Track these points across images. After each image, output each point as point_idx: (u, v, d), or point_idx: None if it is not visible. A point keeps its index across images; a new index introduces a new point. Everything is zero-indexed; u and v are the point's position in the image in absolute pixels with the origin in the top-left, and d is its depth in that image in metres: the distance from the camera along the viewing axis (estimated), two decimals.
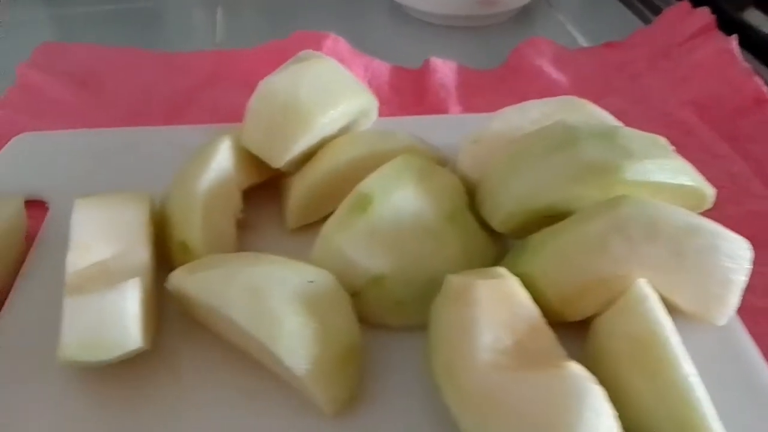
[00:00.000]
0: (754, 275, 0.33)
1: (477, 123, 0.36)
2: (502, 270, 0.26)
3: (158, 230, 0.31)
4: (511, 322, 0.23)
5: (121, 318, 0.24)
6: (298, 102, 0.33)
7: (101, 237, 0.28)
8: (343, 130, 0.36)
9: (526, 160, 0.31)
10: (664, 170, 0.29)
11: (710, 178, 0.31)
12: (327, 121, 0.33)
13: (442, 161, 0.35)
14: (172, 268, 0.28)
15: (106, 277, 0.27)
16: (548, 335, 0.24)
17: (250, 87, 0.34)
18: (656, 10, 0.58)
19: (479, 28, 0.59)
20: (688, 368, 0.22)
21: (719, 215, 0.29)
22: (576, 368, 0.21)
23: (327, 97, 0.34)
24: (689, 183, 0.29)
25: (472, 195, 0.33)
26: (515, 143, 0.32)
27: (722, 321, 0.27)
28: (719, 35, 0.51)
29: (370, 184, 0.29)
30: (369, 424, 0.25)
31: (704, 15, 0.53)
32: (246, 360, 0.27)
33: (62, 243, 0.29)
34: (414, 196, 0.30)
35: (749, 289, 0.30)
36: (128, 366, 0.27)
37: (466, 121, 0.40)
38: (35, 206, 0.37)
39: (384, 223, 0.28)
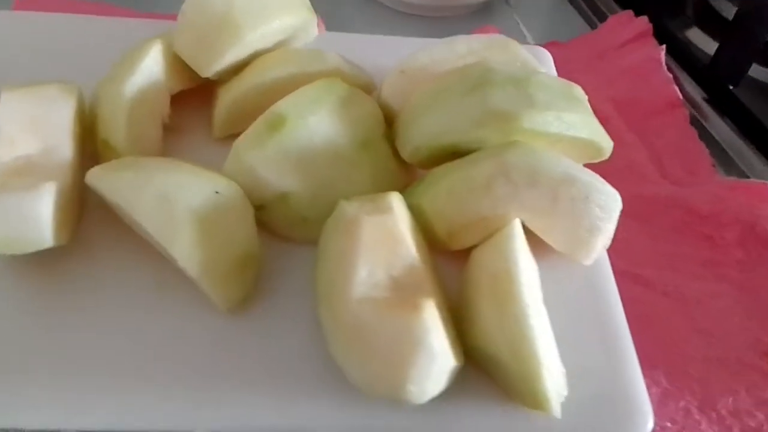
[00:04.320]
0: (624, 242, 0.36)
1: (413, 48, 0.37)
2: (394, 201, 0.28)
3: (87, 126, 0.33)
4: (388, 259, 0.26)
5: (35, 219, 0.26)
6: (231, 12, 0.33)
7: (27, 130, 0.30)
8: (279, 45, 0.37)
9: (439, 98, 0.32)
10: (562, 122, 0.31)
11: (611, 161, 0.33)
12: (258, 36, 0.34)
13: (368, 87, 0.36)
14: (98, 164, 0.30)
15: (29, 172, 0.29)
16: (422, 272, 0.27)
17: None
18: (603, 17, 0.63)
19: (442, 18, 0.63)
20: (528, 300, 0.25)
21: None
22: (425, 311, 0.24)
23: (262, 10, 0.34)
24: (584, 136, 0.31)
25: (391, 123, 0.35)
26: (435, 80, 0.34)
27: (588, 261, 0.31)
28: (652, 43, 0.55)
29: (285, 105, 0.31)
30: (258, 322, 0.28)
31: (642, 23, 0.57)
32: (157, 255, 0.30)
33: None
34: (329, 121, 0.31)
35: (618, 254, 0.34)
36: (48, 257, 0.29)
37: (404, 45, 0.41)
38: None
39: (296, 144, 0.30)
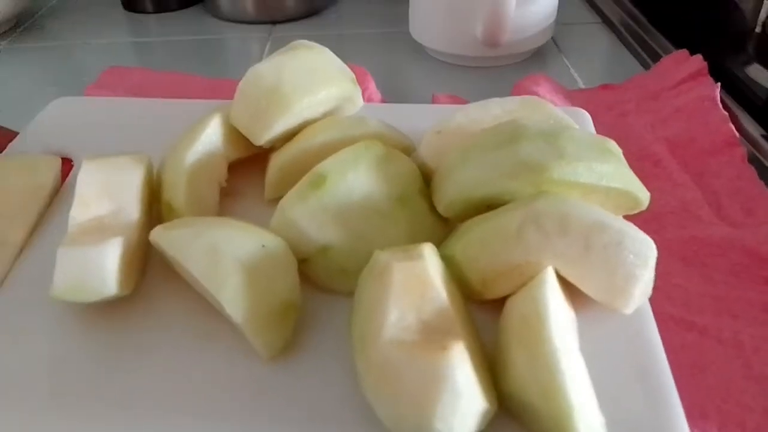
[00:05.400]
0: (676, 288, 0.35)
1: (449, 114, 0.39)
2: (426, 250, 0.29)
3: (155, 190, 0.37)
4: (418, 303, 0.27)
5: (100, 269, 0.30)
6: (280, 86, 0.37)
7: (101, 194, 0.34)
8: (327, 114, 0.40)
9: (473, 153, 0.34)
10: (593, 172, 0.31)
11: (663, 203, 0.33)
12: (305, 105, 0.37)
13: (408, 149, 0.39)
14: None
15: (100, 230, 0.33)
16: (451, 316, 0.27)
17: None
18: (657, 58, 0.62)
19: (490, 68, 0.64)
20: (558, 343, 0.25)
21: (660, 239, 0.31)
22: (452, 349, 0.24)
23: (308, 83, 0.38)
24: (618, 186, 0.32)
25: (428, 182, 0.36)
26: (470, 137, 0.36)
27: (628, 310, 0.30)
28: (707, 81, 0.54)
29: (327, 164, 0.33)
30: (298, 369, 0.30)
31: (697, 61, 0.56)
32: (209, 306, 0.32)
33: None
34: (366, 178, 0.33)
35: (671, 300, 0.33)
36: (111, 307, 0.32)
37: (443, 112, 0.44)
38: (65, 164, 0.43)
39: (335, 200, 0.33)
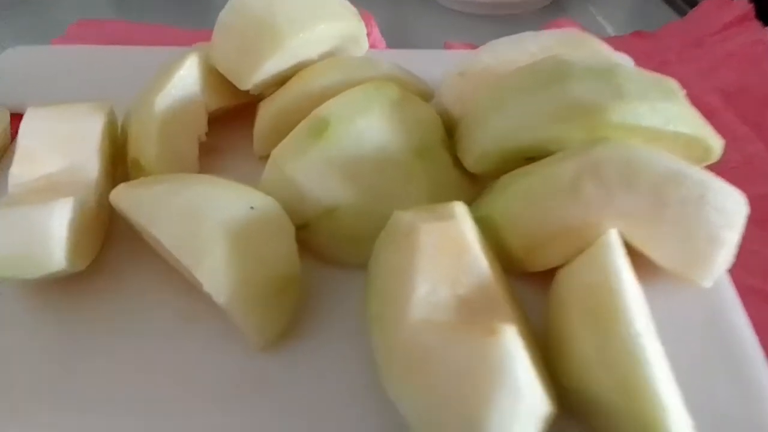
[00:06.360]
0: (754, 255, 0.30)
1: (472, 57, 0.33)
2: (458, 209, 0.23)
3: (120, 146, 0.30)
4: (453, 273, 0.21)
5: (44, 236, 0.23)
6: (272, 18, 0.30)
7: (50, 148, 0.27)
8: (326, 56, 0.34)
9: (509, 96, 0.28)
10: (658, 114, 0.25)
11: (725, 158, 0.27)
12: (301, 42, 0.31)
13: (425, 94, 0.32)
14: None
15: (49, 191, 0.26)
16: (495, 290, 0.21)
17: None
18: (693, 3, 0.56)
19: (509, 16, 0.58)
20: (639, 326, 0.20)
21: None
22: (507, 337, 0.19)
23: (305, 15, 0.31)
24: (687, 131, 0.26)
25: (451, 132, 0.30)
26: (503, 78, 0.29)
27: (707, 282, 0.24)
28: (756, 26, 0.48)
29: (330, 108, 0.27)
30: (298, 359, 0.24)
31: (742, 5, 0.50)
32: (185, 283, 0.26)
33: None
34: (379, 126, 0.27)
35: (746, 268, 0.27)
36: (64, 286, 0.26)
37: (461, 57, 0.37)
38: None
39: (342, 151, 0.26)
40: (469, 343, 0.19)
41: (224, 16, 0.31)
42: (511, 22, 0.58)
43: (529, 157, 0.27)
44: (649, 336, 0.20)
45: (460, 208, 0.23)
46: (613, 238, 0.23)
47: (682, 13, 0.57)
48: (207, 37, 0.33)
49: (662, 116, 0.25)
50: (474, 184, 0.30)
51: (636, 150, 0.24)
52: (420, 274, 0.21)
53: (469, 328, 0.20)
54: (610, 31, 0.55)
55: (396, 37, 0.52)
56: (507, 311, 0.21)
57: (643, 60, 0.48)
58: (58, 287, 0.26)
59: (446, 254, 0.21)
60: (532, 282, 0.26)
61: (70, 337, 0.25)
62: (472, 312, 0.21)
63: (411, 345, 0.20)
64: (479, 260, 0.22)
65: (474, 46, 0.49)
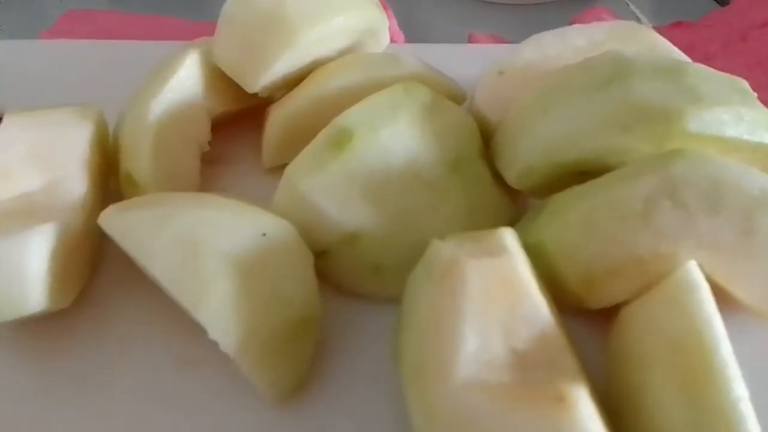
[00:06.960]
0: None
1: (507, 53, 0.29)
2: (508, 240, 0.20)
3: (110, 159, 0.27)
4: (508, 323, 0.18)
5: (20, 276, 0.20)
6: (283, 10, 0.27)
7: (29, 162, 0.24)
8: (344, 53, 0.30)
9: (558, 100, 0.24)
10: (741, 122, 0.22)
11: None
12: (316, 37, 0.27)
13: (457, 97, 0.28)
14: None
15: (27, 213, 0.23)
16: (557, 341, 0.18)
17: None
18: None
19: (531, 6, 0.55)
20: (740, 390, 0.16)
21: None
22: (579, 406, 0.15)
23: (321, 7, 0.27)
24: None
25: (487, 140, 0.27)
26: (549, 77, 0.26)
27: None
28: None
29: (351, 116, 0.23)
30: (317, 413, 0.20)
31: None
32: (188, 323, 0.22)
33: None
34: (409, 136, 0.24)
35: None
36: (47, 320, 0.23)
37: (493, 52, 0.33)
38: None
39: (365, 167, 0.23)
40: (531, 411, 0.16)
41: (229, 7, 0.27)
42: (536, 11, 0.54)
43: (582, 172, 0.23)
44: (748, 401, 0.16)
45: (510, 238, 0.20)
46: (695, 272, 0.19)
47: (721, 2, 0.53)
48: (210, 30, 0.30)
49: (747, 124, 0.22)
50: (515, 203, 0.26)
51: (724, 167, 0.20)
52: (468, 324, 0.17)
53: (529, 392, 0.16)
54: (645, 22, 0.52)
55: (412, 28, 0.48)
56: (571, 367, 0.17)
57: (685, 52, 0.44)
58: (37, 326, 0.23)
59: (498, 298, 0.18)
60: (589, 321, 0.22)
61: (50, 386, 0.21)
62: (529, 368, 0.17)
63: (458, 409, 0.17)
64: (538, 305, 0.18)
65: (501, 39, 0.45)
